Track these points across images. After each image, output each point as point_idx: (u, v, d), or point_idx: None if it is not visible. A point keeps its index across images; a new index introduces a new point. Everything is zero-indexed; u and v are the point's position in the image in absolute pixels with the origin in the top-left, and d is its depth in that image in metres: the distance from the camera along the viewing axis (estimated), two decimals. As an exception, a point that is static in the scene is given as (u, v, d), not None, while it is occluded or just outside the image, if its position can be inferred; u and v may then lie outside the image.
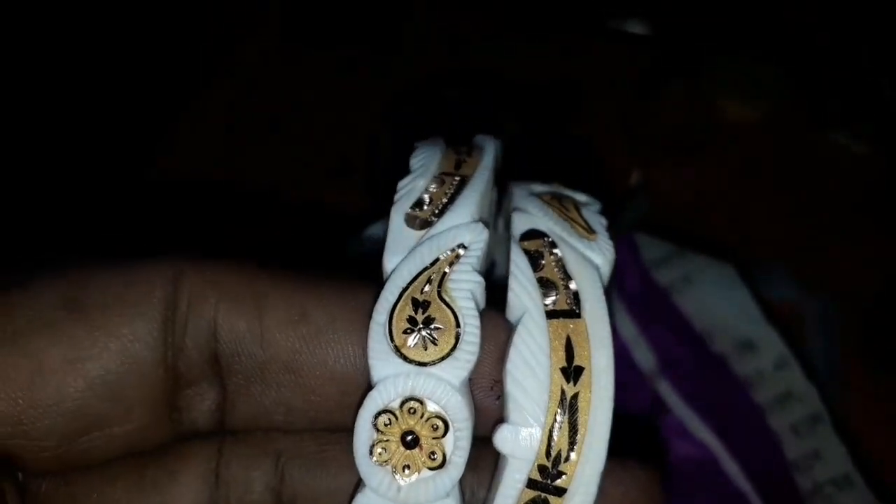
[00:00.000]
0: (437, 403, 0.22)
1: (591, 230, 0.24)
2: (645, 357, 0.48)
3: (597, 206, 0.26)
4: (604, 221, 0.25)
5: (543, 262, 0.23)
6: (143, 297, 0.23)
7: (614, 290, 0.49)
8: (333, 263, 0.23)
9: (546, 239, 0.24)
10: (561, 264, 0.23)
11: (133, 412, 0.23)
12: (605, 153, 0.61)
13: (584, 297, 0.23)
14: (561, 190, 0.26)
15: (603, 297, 0.23)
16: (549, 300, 0.23)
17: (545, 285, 0.23)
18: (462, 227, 0.24)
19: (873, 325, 0.54)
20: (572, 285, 0.23)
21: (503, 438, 0.22)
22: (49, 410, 0.22)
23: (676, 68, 0.67)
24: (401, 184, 0.25)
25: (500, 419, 0.22)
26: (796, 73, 0.66)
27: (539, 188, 0.26)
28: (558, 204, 0.25)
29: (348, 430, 0.22)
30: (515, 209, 0.25)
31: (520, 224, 0.24)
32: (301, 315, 0.23)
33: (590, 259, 0.23)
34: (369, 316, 0.23)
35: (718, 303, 0.49)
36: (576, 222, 0.24)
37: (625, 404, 0.47)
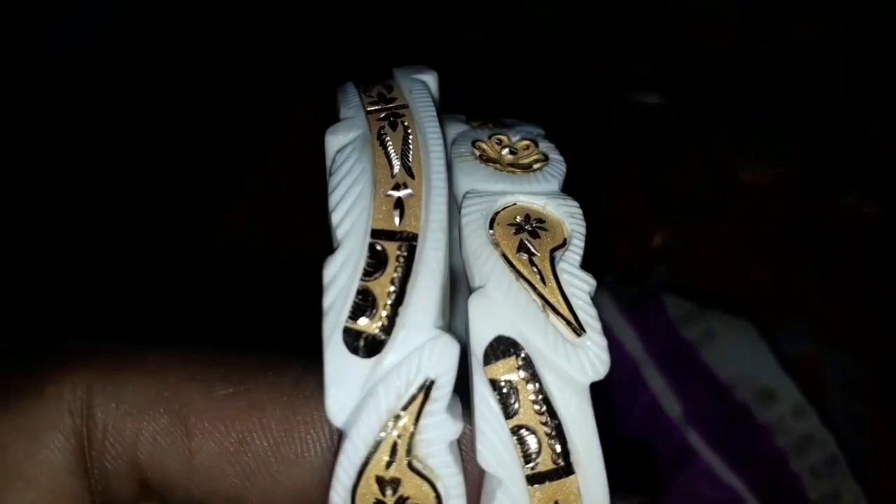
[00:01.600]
0: None
1: (578, 325, 0.18)
2: (673, 407, 0.52)
3: (560, 168, 0.21)
4: (591, 283, 0.19)
5: (519, 402, 0.18)
6: (52, 448, 0.20)
7: (642, 347, 0.53)
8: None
9: (519, 357, 0.18)
10: (542, 400, 0.18)
11: None
12: (626, 218, 0.64)
13: (573, 446, 0.18)
14: (522, 187, 0.20)
15: (598, 443, 0.18)
16: (529, 461, 0.18)
17: (523, 441, 0.18)
18: (425, 351, 0.18)
19: (889, 379, 0.56)
20: (559, 429, 0.18)
21: None
22: None
23: (692, 136, 0.71)
24: (327, 272, 0.18)
25: None
26: (806, 138, 0.69)
27: (485, 167, 0.20)
28: (527, 252, 0.19)
29: None
30: (470, 301, 0.18)
31: (480, 327, 0.18)
32: (239, 444, 0.20)
33: (578, 382, 0.18)
34: (323, 432, 0.19)
35: (740, 356, 0.52)
36: (556, 311, 0.18)
37: (656, 451, 0.50)
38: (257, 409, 0.20)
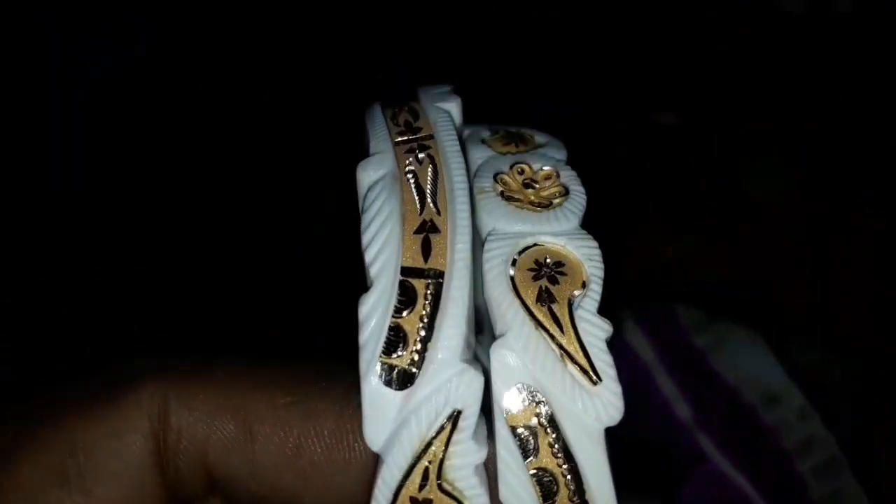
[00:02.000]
0: None
1: (594, 373, 0.19)
2: (683, 411, 0.54)
3: (580, 203, 0.21)
4: (607, 329, 0.20)
5: (537, 447, 0.19)
6: (133, 448, 0.22)
7: (655, 353, 0.54)
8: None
9: (538, 405, 0.19)
10: (560, 446, 0.19)
11: None
12: (641, 232, 0.66)
13: (588, 486, 0.19)
14: (542, 227, 0.21)
15: (611, 482, 0.19)
16: (547, 500, 0.19)
17: (541, 483, 0.19)
18: (452, 384, 0.19)
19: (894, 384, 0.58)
20: (575, 471, 0.19)
21: None
22: None
23: (706, 154, 0.72)
24: (362, 309, 0.20)
25: None
26: (812, 151, 0.71)
27: (505, 205, 0.21)
28: (546, 300, 0.20)
29: None
30: (491, 351, 0.19)
31: (501, 377, 0.19)
32: (296, 449, 0.22)
33: (593, 428, 0.19)
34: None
35: (747, 361, 0.54)
36: (573, 360, 0.19)
37: (669, 452, 0.52)
38: (313, 418, 0.22)
